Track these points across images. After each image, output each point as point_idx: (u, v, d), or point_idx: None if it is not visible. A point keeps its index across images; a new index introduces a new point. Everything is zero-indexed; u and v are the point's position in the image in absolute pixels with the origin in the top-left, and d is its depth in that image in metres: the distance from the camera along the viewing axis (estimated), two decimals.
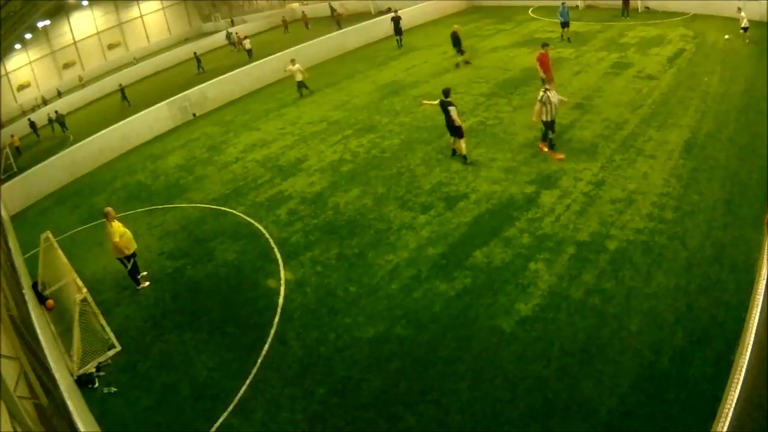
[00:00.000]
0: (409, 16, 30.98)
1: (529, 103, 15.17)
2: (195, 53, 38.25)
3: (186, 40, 56.28)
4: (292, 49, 27.15)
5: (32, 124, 34.54)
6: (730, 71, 14.80)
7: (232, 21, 59.08)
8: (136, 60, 50.20)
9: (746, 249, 7.67)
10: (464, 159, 12.34)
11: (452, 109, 11.89)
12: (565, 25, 20.99)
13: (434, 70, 20.88)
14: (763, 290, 4.84)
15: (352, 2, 43.41)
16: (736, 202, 8.93)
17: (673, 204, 9.20)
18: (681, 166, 10.34)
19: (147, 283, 10.61)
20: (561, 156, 11.57)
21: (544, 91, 11.30)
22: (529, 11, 28.31)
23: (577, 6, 27.07)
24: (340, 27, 34.58)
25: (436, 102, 12.34)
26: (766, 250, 5.52)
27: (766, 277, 4.90)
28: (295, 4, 53.09)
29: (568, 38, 20.88)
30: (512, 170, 11.52)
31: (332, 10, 42.42)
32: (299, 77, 21.33)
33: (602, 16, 24.20)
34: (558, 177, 10.84)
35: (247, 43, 35.51)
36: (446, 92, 12.21)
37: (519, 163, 11.76)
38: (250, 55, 33.81)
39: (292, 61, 21.75)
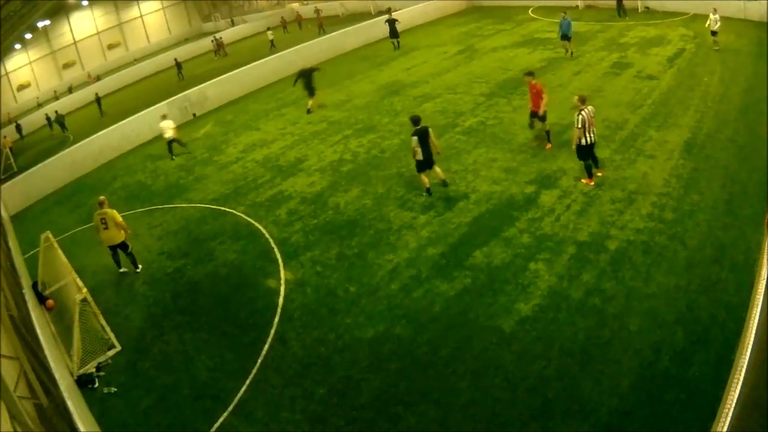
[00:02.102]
0: (409, 16, 30.97)
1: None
2: (176, 59, 38.28)
3: (186, 40, 56.26)
4: (291, 49, 27.15)
5: (18, 128, 34.59)
6: (730, 71, 14.80)
7: (232, 21, 59.08)
8: (136, 61, 50.18)
9: (746, 249, 7.67)
10: (444, 182, 11.24)
11: (432, 132, 10.67)
12: (565, 37, 18.86)
13: (434, 70, 20.87)
14: (763, 290, 4.83)
15: (352, 2, 43.43)
16: (736, 202, 8.93)
17: (673, 204, 9.20)
18: (681, 166, 10.34)
19: (140, 267, 11.27)
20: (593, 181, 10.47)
21: (577, 113, 9.90)
22: (529, 11, 28.30)
23: (577, 6, 27.07)
24: (323, 31, 34.63)
25: (415, 140, 10.60)
26: (766, 250, 5.51)
27: (766, 277, 4.89)
28: (296, 4, 53.09)
29: (571, 52, 18.86)
30: (512, 170, 11.51)
31: (317, 12, 42.52)
32: (169, 134, 17.66)
33: (602, 16, 24.19)
34: (558, 177, 10.84)
35: (270, 35, 36.41)
36: (416, 119, 10.74)
37: (519, 163, 11.76)
38: (273, 46, 34.57)
39: (164, 117, 18.07)
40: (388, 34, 26.39)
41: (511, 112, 14.82)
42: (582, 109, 9.89)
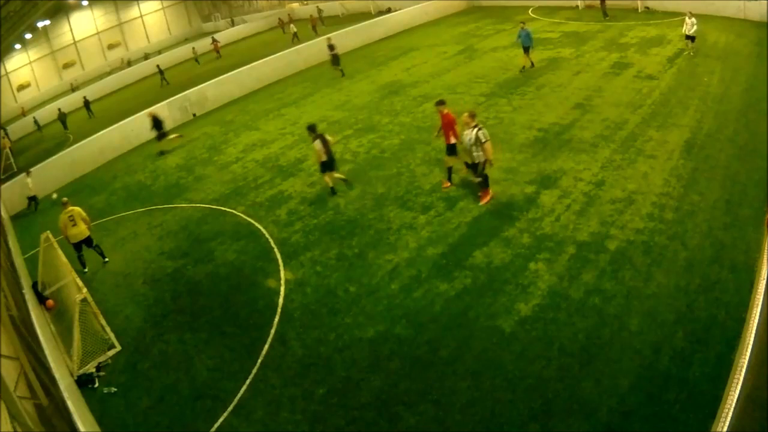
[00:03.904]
0: (408, 16, 31.09)
1: (529, 103, 15.21)
2: (158, 66, 38.60)
3: (186, 40, 56.26)
4: (291, 49, 27.14)
5: (5, 131, 34.85)
6: (730, 71, 14.80)
7: (232, 21, 59.08)
8: (130, 64, 50.40)
9: (746, 249, 7.67)
10: (332, 190, 12.12)
11: (328, 136, 11.79)
12: (526, 50, 18.02)
13: (434, 70, 20.89)
14: (763, 290, 4.84)
15: (352, 2, 43.46)
16: (736, 202, 8.93)
17: (673, 204, 9.20)
18: (681, 166, 10.34)
19: (107, 258, 11.92)
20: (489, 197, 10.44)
21: (478, 129, 9.72)
22: (529, 11, 28.32)
23: (577, 6, 27.09)
24: (316, 33, 34.64)
25: (318, 143, 11.60)
26: (766, 250, 5.52)
27: (766, 277, 4.90)
28: (295, 4, 53.09)
29: (532, 63, 18.15)
30: (512, 170, 11.51)
31: (319, 11, 42.63)
32: (31, 192, 17.23)
33: (602, 16, 24.19)
34: (558, 177, 10.84)
35: (293, 27, 37.39)
36: (313, 127, 11.94)
37: (519, 163, 11.76)
38: (296, 38, 35.28)
39: (28, 173, 17.47)
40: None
41: (511, 112, 14.82)
42: (477, 125, 9.78)
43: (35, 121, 35.93)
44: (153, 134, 19.23)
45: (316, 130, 11.90)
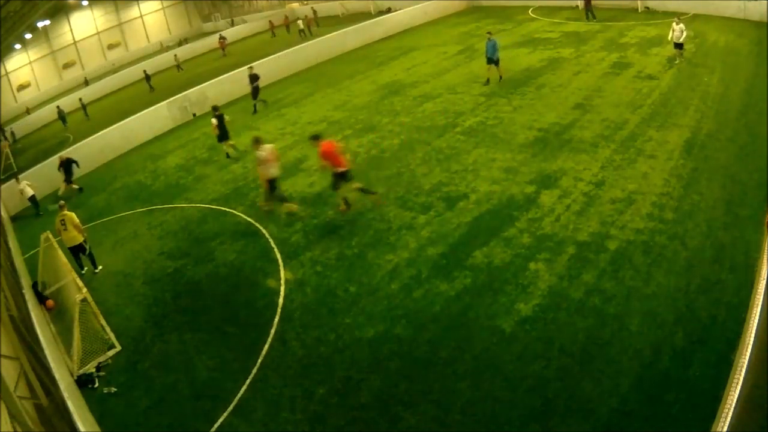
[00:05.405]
0: (409, 16, 31.11)
1: (529, 103, 15.21)
2: (145, 71, 38.61)
3: (186, 40, 56.27)
4: (291, 49, 27.15)
5: (2, 131, 34.97)
6: (730, 71, 14.80)
7: (232, 21, 59.09)
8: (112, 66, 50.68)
9: (746, 249, 7.67)
10: (227, 155, 16.40)
11: (225, 115, 15.97)
12: (491, 61, 17.14)
13: (434, 70, 20.88)
14: (763, 290, 4.84)
15: (352, 2, 43.47)
16: (736, 202, 8.93)
17: (673, 204, 9.20)
18: (681, 166, 10.34)
19: (99, 267, 11.73)
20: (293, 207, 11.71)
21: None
22: (529, 11, 28.32)
23: (577, 6, 27.07)
24: (310, 33, 34.53)
25: (214, 121, 15.96)
26: (766, 250, 5.51)
27: (766, 277, 4.90)
28: (296, 4, 53.06)
29: (500, 77, 17.35)
30: (512, 170, 11.52)
31: (314, 12, 42.67)
32: (29, 192, 16.93)
33: (602, 16, 24.16)
34: (558, 177, 10.84)
35: (300, 23, 38.71)
36: (216, 107, 16.25)
37: (519, 163, 11.76)
38: (305, 35, 36.55)
39: (19, 180, 17.61)
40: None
41: (511, 112, 14.82)
42: (258, 149, 11.11)
43: (12, 133, 35.36)
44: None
45: (218, 110, 16.06)
